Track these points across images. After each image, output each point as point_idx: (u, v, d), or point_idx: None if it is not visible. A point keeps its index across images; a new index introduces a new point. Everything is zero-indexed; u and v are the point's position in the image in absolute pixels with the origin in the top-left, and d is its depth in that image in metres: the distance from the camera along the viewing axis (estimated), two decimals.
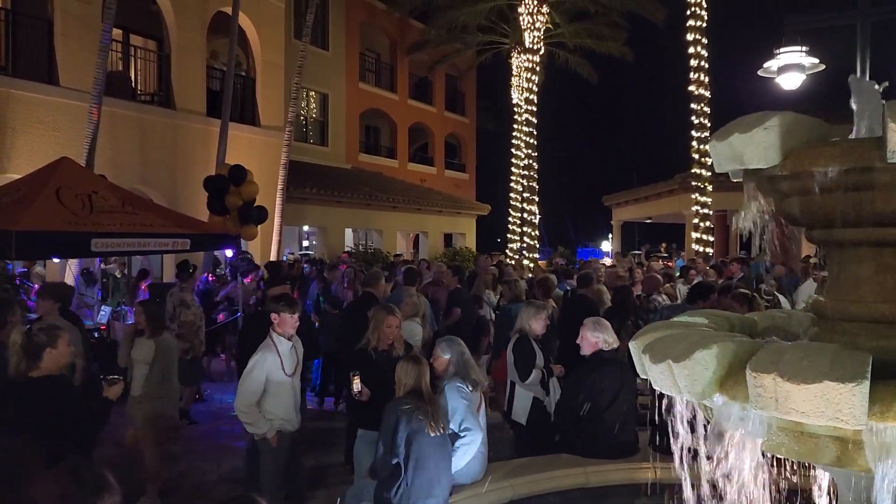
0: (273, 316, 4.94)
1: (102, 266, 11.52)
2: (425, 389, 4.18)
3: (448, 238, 26.82)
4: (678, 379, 2.22)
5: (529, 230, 21.91)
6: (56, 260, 10.12)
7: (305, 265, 14.72)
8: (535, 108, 22.13)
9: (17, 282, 9.57)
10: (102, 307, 10.34)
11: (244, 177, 10.22)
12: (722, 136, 2.39)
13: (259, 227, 10.70)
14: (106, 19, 11.24)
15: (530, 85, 22.10)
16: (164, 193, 14.03)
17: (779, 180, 2.39)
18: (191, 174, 14.36)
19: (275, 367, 4.81)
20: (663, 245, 34.53)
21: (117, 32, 13.72)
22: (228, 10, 14.62)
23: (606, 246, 37.52)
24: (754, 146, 2.26)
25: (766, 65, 9.69)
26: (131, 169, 13.53)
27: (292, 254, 20.23)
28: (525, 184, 22.30)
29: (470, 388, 4.56)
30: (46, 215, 7.23)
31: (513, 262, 19.18)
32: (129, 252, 9.32)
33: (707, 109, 17.36)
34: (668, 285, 9.60)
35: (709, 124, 17.29)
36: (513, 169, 24.33)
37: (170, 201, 13.37)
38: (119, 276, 11.86)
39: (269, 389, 4.80)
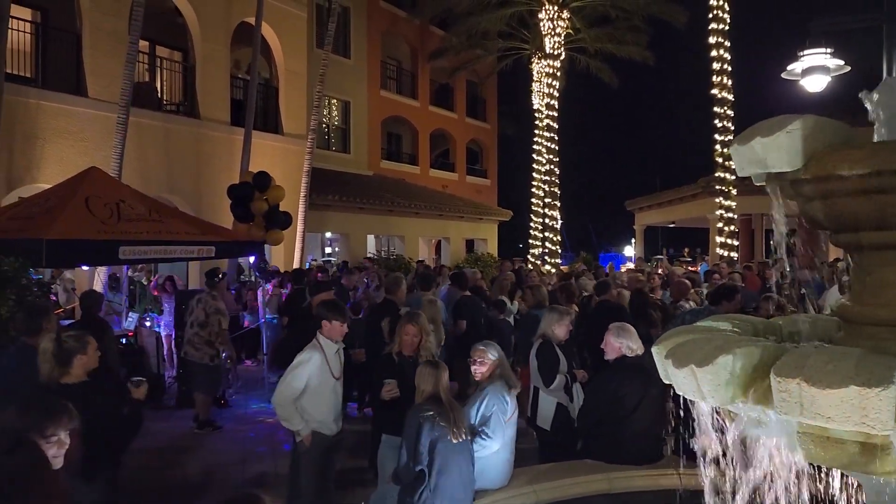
0: (324, 322, 5.02)
1: (129, 273, 11.70)
2: (444, 395, 4.18)
3: (470, 244, 26.83)
4: (701, 384, 2.20)
5: (551, 235, 21.86)
6: (85, 267, 10.29)
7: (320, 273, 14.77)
8: (556, 114, 22.10)
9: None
10: (130, 313, 10.49)
11: (268, 183, 10.35)
12: (744, 139, 2.38)
13: (283, 232, 10.82)
14: (133, 31, 11.48)
15: (551, 90, 22.09)
16: (189, 201, 14.23)
17: (802, 184, 2.37)
18: (215, 182, 14.57)
19: (320, 369, 4.89)
20: (686, 249, 34.19)
21: (144, 44, 13.98)
22: (252, 20, 14.83)
23: (629, 251, 37.26)
24: (777, 150, 2.25)
25: (790, 67, 9.58)
26: (157, 177, 13.75)
27: (315, 260, 20.36)
28: (547, 189, 22.26)
29: (509, 395, 4.57)
30: (76, 224, 7.37)
31: (533, 267, 19.14)
32: (155, 259, 9.47)
33: (730, 113, 17.21)
34: (692, 291, 9.53)
35: (732, 128, 17.14)
36: (534, 174, 24.30)
37: (195, 209, 13.56)
38: (145, 282, 12.03)
39: (311, 389, 4.86)
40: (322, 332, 4.99)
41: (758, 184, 2.59)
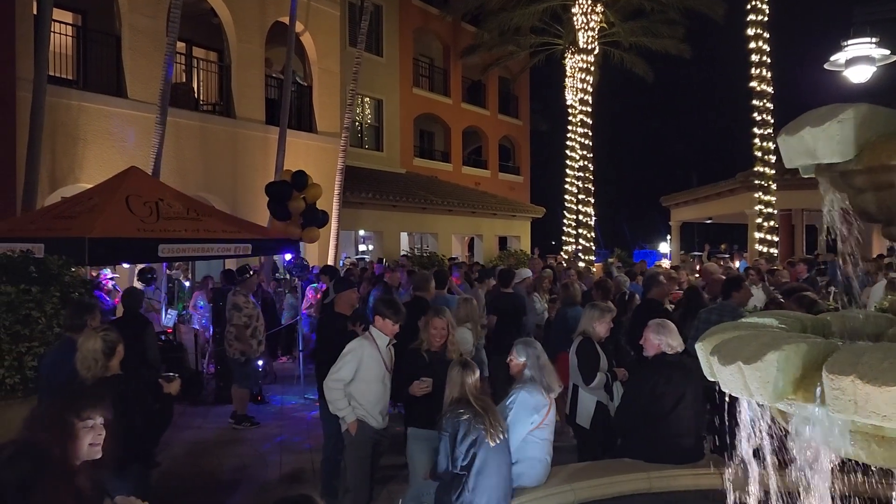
0: (377, 318, 5.16)
1: (168, 271, 11.90)
2: (472, 397, 4.14)
3: (503, 241, 26.74)
4: (749, 381, 2.15)
5: (585, 232, 21.66)
6: (126, 265, 10.50)
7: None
8: (589, 109, 21.87)
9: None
10: (168, 311, 10.68)
11: (306, 181, 10.44)
12: (793, 129, 2.31)
13: (318, 230, 10.90)
14: (170, 33, 11.68)
15: (585, 85, 21.86)
16: (225, 199, 14.43)
17: (853, 175, 2.29)
18: (251, 180, 14.75)
19: (372, 358, 5.02)
20: (723, 245, 33.64)
21: (181, 45, 14.21)
22: (286, 20, 14.96)
23: (664, 247, 36.77)
24: (827, 140, 2.18)
25: (833, 58, 9.36)
26: (194, 176, 13.96)
27: (349, 258, 20.50)
28: (580, 185, 22.05)
29: (542, 394, 4.53)
30: (117, 222, 7.53)
31: (569, 265, 19.00)
32: (193, 257, 9.62)
33: (770, 106, 16.83)
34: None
35: (772, 121, 16.76)
36: (567, 170, 24.09)
37: (231, 207, 13.74)
38: (183, 280, 12.24)
39: (361, 378, 4.98)
40: (374, 325, 5.14)
41: (805, 176, 2.52)
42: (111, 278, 10.27)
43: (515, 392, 4.54)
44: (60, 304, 6.12)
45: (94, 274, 9.63)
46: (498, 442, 4.00)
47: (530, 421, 4.46)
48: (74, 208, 8.10)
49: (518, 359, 4.66)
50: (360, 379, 4.98)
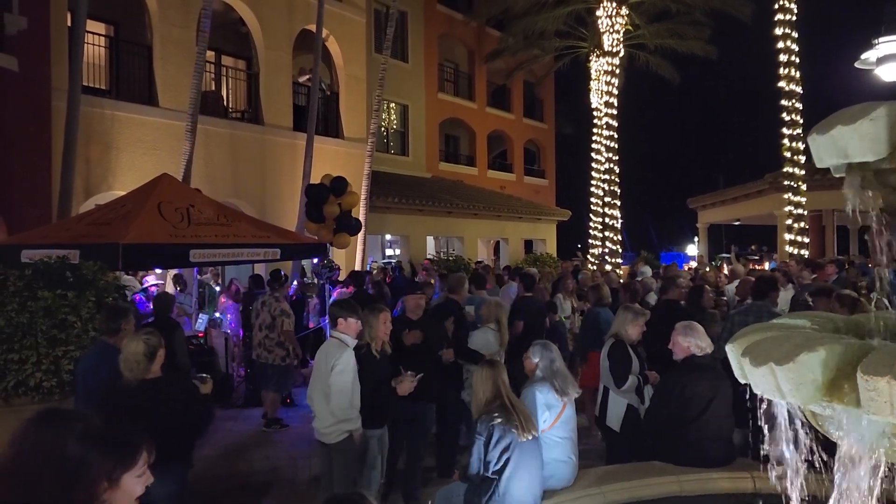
0: (339, 321, 5.02)
1: (198, 276, 12.07)
2: (506, 395, 4.15)
3: (528, 244, 26.67)
4: (781, 383, 2.13)
5: (611, 235, 21.52)
6: (158, 270, 10.67)
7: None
8: (615, 112, 21.75)
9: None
10: (200, 315, 10.82)
11: (345, 188, 10.55)
12: (824, 128, 2.29)
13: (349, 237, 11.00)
14: (200, 42, 11.86)
15: (610, 88, 21.75)
16: (253, 205, 14.60)
17: (887, 174, 2.28)
18: (279, 186, 14.92)
19: (354, 366, 5.04)
20: (753, 247, 33.12)
21: (210, 54, 14.42)
22: (312, 27, 15.11)
23: (692, 249, 36.38)
24: (859, 138, 2.16)
25: (863, 56, 9.20)
26: (224, 182, 14.16)
27: (375, 262, 20.61)
28: (606, 188, 21.93)
29: (555, 394, 4.53)
30: (149, 229, 7.66)
31: (596, 267, 18.90)
32: (223, 262, 9.74)
33: (799, 105, 16.60)
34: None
35: (801, 121, 16.53)
36: (593, 174, 23.99)
37: (259, 212, 13.91)
38: (214, 285, 12.40)
39: (355, 387, 4.98)
40: (339, 329, 4.97)
41: (837, 175, 2.49)
42: (154, 285, 10.47)
43: (527, 390, 4.58)
44: (95, 309, 6.24)
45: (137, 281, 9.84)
46: (529, 438, 4.01)
47: (542, 419, 4.47)
48: (108, 215, 8.26)
49: (532, 359, 4.70)
50: (356, 390, 4.89)
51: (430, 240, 22.64)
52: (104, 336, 5.10)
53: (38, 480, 1.98)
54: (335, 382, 4.80)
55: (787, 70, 16.61)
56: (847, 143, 2.21)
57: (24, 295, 6.02)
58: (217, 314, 10.90)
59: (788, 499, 2.71)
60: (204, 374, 4.44)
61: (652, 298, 9.34)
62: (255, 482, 6.60)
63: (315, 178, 12.28)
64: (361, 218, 15.98)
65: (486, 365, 4.30)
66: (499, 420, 4.02)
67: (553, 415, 4.54)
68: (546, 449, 4.35)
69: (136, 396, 3.94)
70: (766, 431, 2.58)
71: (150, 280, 10.60)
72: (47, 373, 5.96)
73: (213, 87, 15.91)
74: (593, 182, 23.93)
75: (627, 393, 5.53)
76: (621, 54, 21.97)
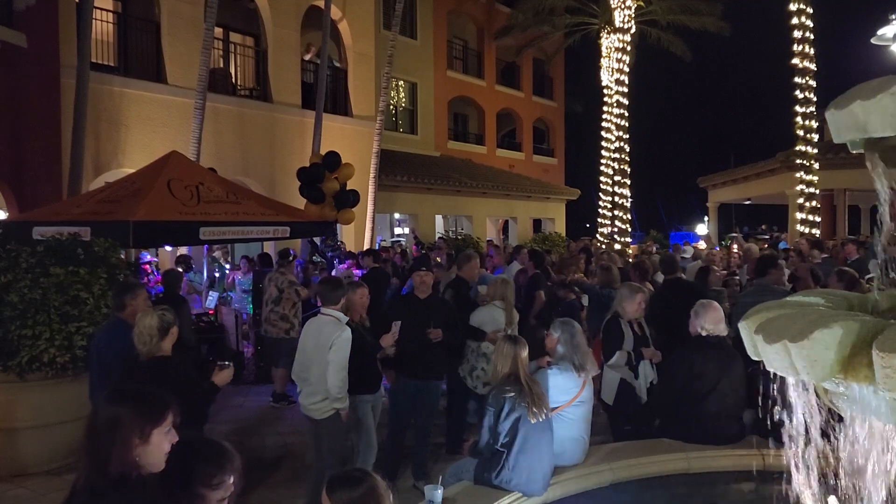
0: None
1: (209, 254, 12.13)
2: (523, 373, 4.16)
3: (537, 223, 26.62)
4: (795, 360, 2.12)
5: (621, 214, 21.43)
6: (168, 248, 10.72)
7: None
8: (625, 90, 21.54)
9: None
10: (210, 293, 10.88)
11: (338, 162, 10.51)
12: (842, 103, 2.25)
13: (353, 212, 10.98)
14: (208, 19, 11.80)
15: (621, 65, 21.51)
16: (262, 183, 14.61)
17: None
18: (288, 164, 14.90)
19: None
20: (763, 226, 32.93)
21: (218, 31, 14.34)
22: (321, 4, 15.00)
23: (702, 229, 36.20)
24: (879, 113, 2.12)
25: (880, 32, 9.07)
26: (233, 160, 14.15)
27: (384, 240, 20.63)
28: (616, 167, 21.79)
29: (574, 374, 4.54)
30: (159, 206, 7.67)
31: (605, 246, 18.86)
32: (233, 240, 9.75)
33: (812, 83, 16.40)
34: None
35: (815, 99, 16.34)
36: (603, 152, 23.81)
37: (268, 190, 13.91)
38: (224, 263, 12.45)
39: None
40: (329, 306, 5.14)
41: (854, 151, 2.46)
42: (147, 262, 10.53)
43: (543, 372, 4.58)
44: (107, 286, 6.29)
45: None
46: (540, 420, 4.02)
47: (555, 401, 4.47)
48: (118, 192, 8.27)
49: (554, 334, 4.70)
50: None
51: (438, 219, 22.63)
52: (117, 312, 5.14)
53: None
54: (335, 360, 4.87)
55: (801, 47, 16.38)
56: (866, 118, 2.18)
57: (37, 271, 6.07)
58: (227, 293, 10.96)
59: (798, 475, 2.72)
60: (227, 362, 4.44)
61: (660, 277, 9.31)
62: (267, 457, 6.67)
63: None
64: (370, 196, 15.98)
65: (508, 340, 4.29)
66: (511, 393, 4.04)
67: (568, 397, 4.53)
68: (559, 427, 4.36)
69: (144, 373, 3.96)
70: (776, 409, 2.58)
71: (147, 257, 10.65)
72: (60, 349, 6.01)
73: (222, 65, 15.84)
74: (603, 161, 23.77)
75: (618, 367, 5.55)
76: (633, 31, 21.69)
